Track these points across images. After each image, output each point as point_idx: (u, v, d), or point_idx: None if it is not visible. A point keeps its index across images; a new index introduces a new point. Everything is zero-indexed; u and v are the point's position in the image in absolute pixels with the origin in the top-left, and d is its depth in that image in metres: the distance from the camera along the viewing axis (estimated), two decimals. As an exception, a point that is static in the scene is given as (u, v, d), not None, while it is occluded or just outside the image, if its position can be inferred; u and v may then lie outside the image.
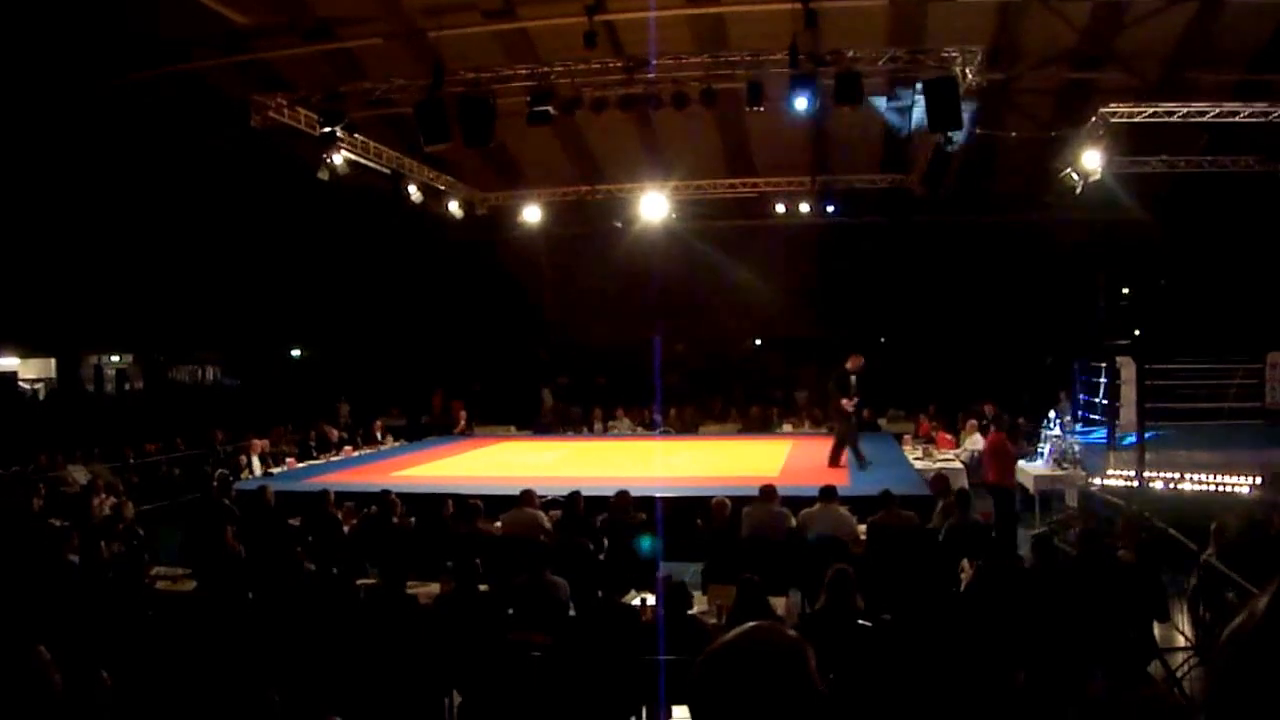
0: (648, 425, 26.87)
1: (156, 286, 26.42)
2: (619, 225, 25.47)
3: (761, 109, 17.06)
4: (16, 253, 22.78)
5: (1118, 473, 15.93)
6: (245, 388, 33.76)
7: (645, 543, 11.87)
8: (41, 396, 30.25)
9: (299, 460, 20.88)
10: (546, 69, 17.39)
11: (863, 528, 12.14)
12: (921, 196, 23.35)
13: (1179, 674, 8.51)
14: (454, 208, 24.85)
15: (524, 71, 17.43)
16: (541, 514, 12.76)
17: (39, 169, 21.64)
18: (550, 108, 17.40)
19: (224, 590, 9.82)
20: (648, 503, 13.53)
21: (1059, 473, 17.40)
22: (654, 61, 17.25)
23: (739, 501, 12.59)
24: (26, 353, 30.73)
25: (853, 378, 18.05)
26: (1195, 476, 15.02)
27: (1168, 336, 19.02)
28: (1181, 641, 9.75)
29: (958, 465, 18.20)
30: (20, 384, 30.22)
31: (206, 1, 17.42)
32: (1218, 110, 17.90)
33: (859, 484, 15.54)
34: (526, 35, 19.29)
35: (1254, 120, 17.92)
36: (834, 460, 17.96)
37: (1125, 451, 16.53)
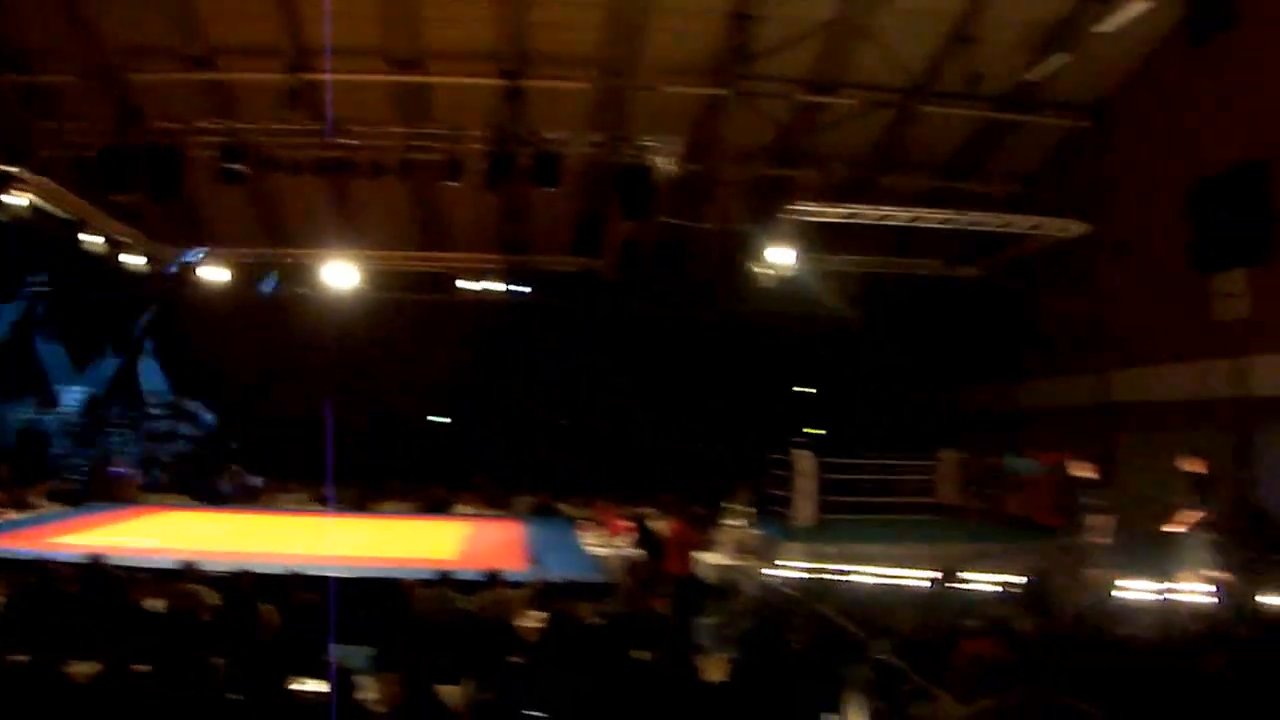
0: (322, 500, 26.02)
1: None
2: (302, 292, 24.65)
3: (458, 184, 16.92)
4: None
5: (794, 564, 16.20)
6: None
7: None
8: None
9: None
10: (243, 125, 16.83)
11: (541, 615, 11.96)
12: (613, 281, 23.52)
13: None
14: (137, 261, 23.50)
15: (218, 126, 16.82)
16: (204, 589, 12.11)
17: None
18: (244, 166, 16.83)
19: None
20: (321, 582, 13.03)
21: (737, 562, 17.62)
22: (353, 128, 16.96)
23: (415, 584, 12.28)
24: None
25: None
26: (870, 569, 15.39)
27: (848, 432, 19.55)
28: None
29: (638, 551, 18.19)
30: None
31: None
32: (908, 215, 18.72)
33: (538, 568, 15.39)
34: (226, 88, 18.73)
35: (939, 226, 18.81)
36: None
37: (802, 543, 16.90)
